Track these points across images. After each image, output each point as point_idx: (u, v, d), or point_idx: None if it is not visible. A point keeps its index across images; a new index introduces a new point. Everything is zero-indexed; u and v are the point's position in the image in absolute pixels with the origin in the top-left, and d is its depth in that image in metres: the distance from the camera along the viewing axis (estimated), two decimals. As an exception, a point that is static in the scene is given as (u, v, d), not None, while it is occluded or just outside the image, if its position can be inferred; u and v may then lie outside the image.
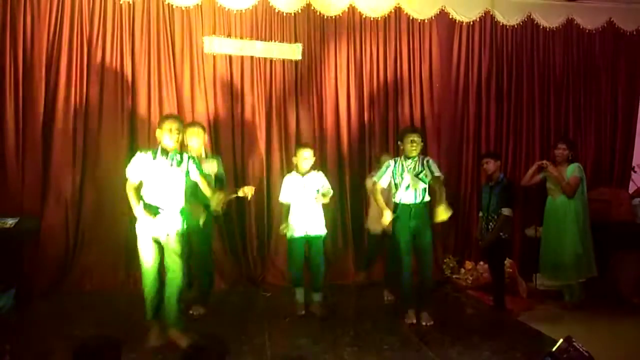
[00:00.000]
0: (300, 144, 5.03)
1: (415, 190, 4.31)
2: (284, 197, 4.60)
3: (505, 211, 4.62)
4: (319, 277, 4.56)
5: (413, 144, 4.29)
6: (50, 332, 3.97)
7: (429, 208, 4.38)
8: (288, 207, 4.57)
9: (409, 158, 4.35)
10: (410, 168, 4.33)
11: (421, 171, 4.32)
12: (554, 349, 3.02)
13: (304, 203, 4.51)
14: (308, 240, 4.54)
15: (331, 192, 4.60)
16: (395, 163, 4.39)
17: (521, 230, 5.82)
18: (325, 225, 4.61)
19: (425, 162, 4.36)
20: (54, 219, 5.11)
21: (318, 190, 4.51)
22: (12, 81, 5.03)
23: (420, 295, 4.39)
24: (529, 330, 4.24)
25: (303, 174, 4.54)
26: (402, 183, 4.34)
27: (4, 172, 5.01)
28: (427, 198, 4.37)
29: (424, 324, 4.26)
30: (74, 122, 5.19)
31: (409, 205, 4.32)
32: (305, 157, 4.51)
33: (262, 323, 4.30)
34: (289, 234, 4.55)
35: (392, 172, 4.37)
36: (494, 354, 3.66)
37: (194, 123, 4.62)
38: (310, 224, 4.50)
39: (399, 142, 4.49)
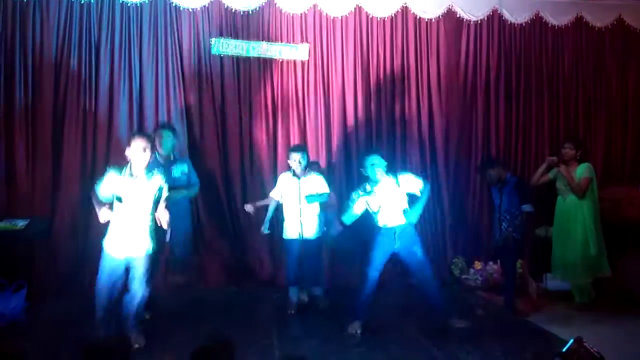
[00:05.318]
0: (291, 147, 5.03)
1: (396, 211, 4.10)
2: (275, 193, 4.67)
3: (527, 207, 4.57)
4: (317, 275, 4.70)
5: (374, 168, 4.06)
6: (61, 333, 4.00)
7: (415, 226, 4.17)
8: (275, 204, 4.67)
9: (376, 182, 4.12)
10: (381, 193, 4.08)
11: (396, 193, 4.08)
12: (564, 349, 2.98)
13: (298, 205, 4.55)
14: (303, 242, 4.56)
15: (325, 198, 4.59)
16: (365, 193, 4.08)
17: (532, 230, 5.77)
18: (325, 225, 4.63)
19: (398, 179, 4.11)
20: (64, 221, 5.15)
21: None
22: (22, 85, 5.08)
23: (437, 308, 4.21)
24: (539, 331, 4.21)
25: (299, 176, 4.56)
26: (380, 209, 4.11)
27: (14, 174, 5.06)
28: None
29: (457, 327, 4.14)
30: (83, 124, 5.24)
31: (393, 227, 4.11)
32: (294, 159, 4.53)
33: (270, 323, 4.30)
34: (284, 235, 4.64)
35: (366, 203, 4.12)
36: (503, 355, 3.65)
37: (162, 126, 4.72)
38: (304, 226, 4.54)
39: (361, 169, 4.27)
